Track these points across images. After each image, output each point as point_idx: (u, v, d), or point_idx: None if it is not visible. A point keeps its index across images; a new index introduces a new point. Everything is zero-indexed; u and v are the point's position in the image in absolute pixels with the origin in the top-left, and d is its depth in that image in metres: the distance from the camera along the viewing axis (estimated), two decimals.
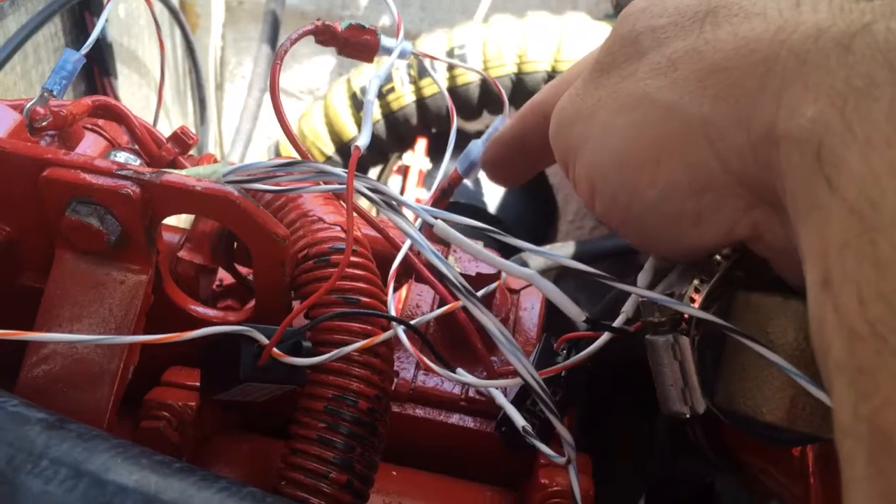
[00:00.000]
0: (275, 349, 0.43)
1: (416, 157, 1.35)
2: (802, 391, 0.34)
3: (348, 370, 0.44)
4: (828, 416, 0.32)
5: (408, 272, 0.57)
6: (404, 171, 1.33)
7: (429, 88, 1.28)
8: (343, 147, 1.37)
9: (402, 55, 0.53)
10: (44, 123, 0.49)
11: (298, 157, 0.44)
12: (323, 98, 1.36)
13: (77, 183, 0.42)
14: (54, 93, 0.51)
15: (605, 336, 0.40)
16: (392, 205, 0.42)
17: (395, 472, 0.52)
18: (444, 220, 0.41)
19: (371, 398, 0.44)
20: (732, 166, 0.32)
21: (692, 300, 0.39)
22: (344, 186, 0.42)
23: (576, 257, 1.05)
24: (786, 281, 0.35)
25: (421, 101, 1.29)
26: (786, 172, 0.30)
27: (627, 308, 0.40)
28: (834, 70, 0.28)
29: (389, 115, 1.31)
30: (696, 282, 0.39)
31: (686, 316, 0.39)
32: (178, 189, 0.43)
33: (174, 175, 0.43)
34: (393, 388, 0.54)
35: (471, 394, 0.54)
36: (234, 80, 1.78)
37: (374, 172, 1.42)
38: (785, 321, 0.34)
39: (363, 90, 1.29)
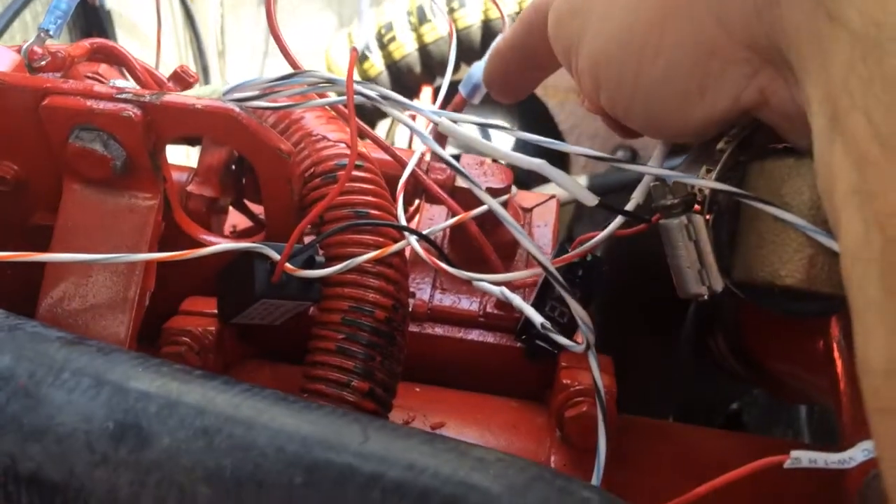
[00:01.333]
0: (287, 264, 0.43)
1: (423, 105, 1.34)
2: (820, 250, 0.33)
3: (363, 281, 0.44)
4: None
5: (417, 194, 0.57)
6: (411, 136, 1.33)
7: (430, 35, 1.27)
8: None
9: None
10: (42, 63, 0.49)
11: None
12: (325, 51, 1.35)
13: (78, 109, 0.42)
14: (50, 32, 0.51)
15: (618, 220, 0.40)
16: (398, 110, 0.42)
17: (418, 389, 0.52)
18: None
19: (388, 308, 0.44)
20: (736, 31, 0.32)
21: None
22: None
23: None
24: (795, 146, 0.35)
25: (423, 49, 1.28)
26: (789, 25, 0.29)
27: (638, 194, 0.40)
28: None
29: (392, 66, 1.30)
30: (705, 167, 0.39)
31: (699, 198, 0.39)
32: (179, 109, 0.42)
33: (174, 95, 0.43)
34: (410, 308, 0.54)
35: (489, 309, 0.54)
36: (235, 47, 1.77)
37: (382, 125, 1.41)
38: (799, 181, 0.34)
39: (367, 47, 1.28)
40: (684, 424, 0.53)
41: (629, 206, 0.39)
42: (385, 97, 0.41)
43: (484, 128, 0.43)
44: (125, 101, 0.42)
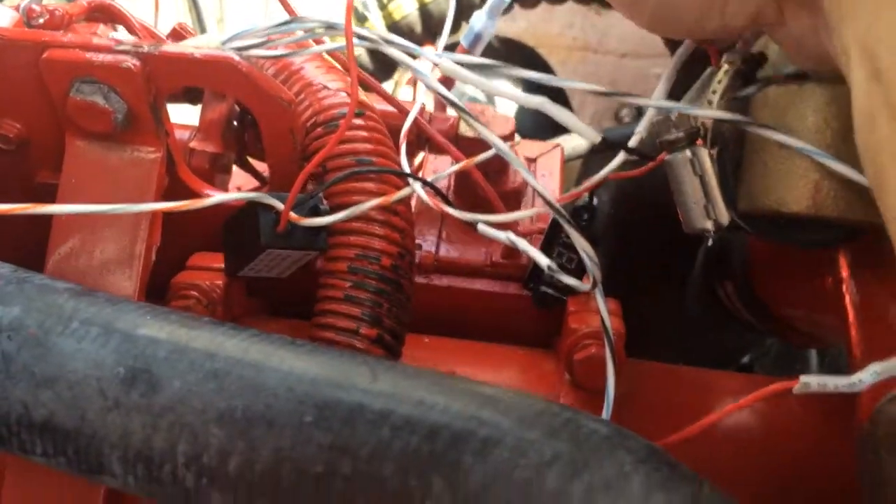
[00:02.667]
0: (292, 213, 0.43)
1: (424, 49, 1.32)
2: (826, 175, 0.33)
3: (368, 229, 0.44)
4: (853, 198, 0.32)
5: (420, 145, 0.57)
6: (415, 82, 1.31)
7: None
8: None
9: None
10: (40, 21, 0.49)
11: None
12: None
13: (77, 62, 0.42)
14: None
15: (622, 156, 0.40)
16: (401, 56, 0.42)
17: (426, 340, 0.52)
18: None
19: (394, 255, 0.44)
20: None
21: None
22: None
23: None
24: (799, 69, 0.35)
25: (423, 8, 1.27)
26: None
27: (641, 128, 0.39)
28: None
29: (392, 26, 1.28)
30: (707, 100, 0.39)
31: (702, 132, 0.39)
32: (178, 59, 0.42)
33: (173, 45, 0.42)
34: (417, 260, 0.54)
35: (495, 259, 0.54)
36: (235, 14, 1.75)
37: (385, 87, 1.40)
38: (803, 107, 0.33)
39: (366, 6, 1.27)
40: (693, 367, 0.53)
41: (632, 142, 0.39)
42: (386, 40, 0.41)
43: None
44: (124, 52, 0.42)
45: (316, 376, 0.34)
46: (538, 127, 1.44)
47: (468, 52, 0.59)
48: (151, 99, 0.43)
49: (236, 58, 0.42)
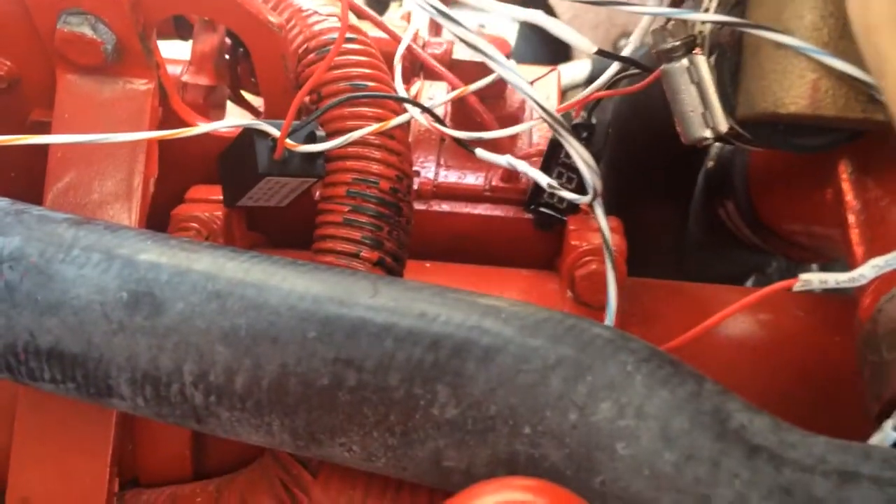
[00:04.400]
0: (288, 140, 0.42)
1: None
2: (824, 74, 0.33)
3: (366, 153, 0.44)
4: (851, 96, 0.32)
5: (415, 72, 0.56)
6: (408, 17, 1.29)
7: None
8: None
9: None
10: None
11: None
12: None
13: None
14: None
15: (615, 66, 0.39)
16: None
17: (428, 265, 0.52)
18: None
19: (392, 178, 0.44)
20: None
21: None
22: None
23: (591, 75, 1.02)
24: None
25: None
26: None
27: (635, 38, 0.39)
28: None
29: None
30: (703, 7, 0.38)
31: (699, 41, 0.38)
32: None
33: None
34: (416, 187, 0.54)
35: (494, 183, 0.54)
36: None
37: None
38: (799, 4, 0.33)
39: None
40: (694, 283, 0.53)
41: (626, 51, 0.39)
42: None
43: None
44: None
45: (318, 294, 0.34)
46: (534, 59, 1.42)
47: None
48: (140, 29, 0.43)
49: None
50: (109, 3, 0.41)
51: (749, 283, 1.05)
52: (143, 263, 0.35)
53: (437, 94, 0.59)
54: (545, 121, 0.39)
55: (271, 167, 0.43)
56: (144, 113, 0.44)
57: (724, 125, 0.37)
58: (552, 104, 0.59)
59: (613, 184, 0.67)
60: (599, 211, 0.40)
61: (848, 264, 0.45)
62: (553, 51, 1.46)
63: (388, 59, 0.50)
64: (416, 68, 0.54)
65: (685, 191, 0.71)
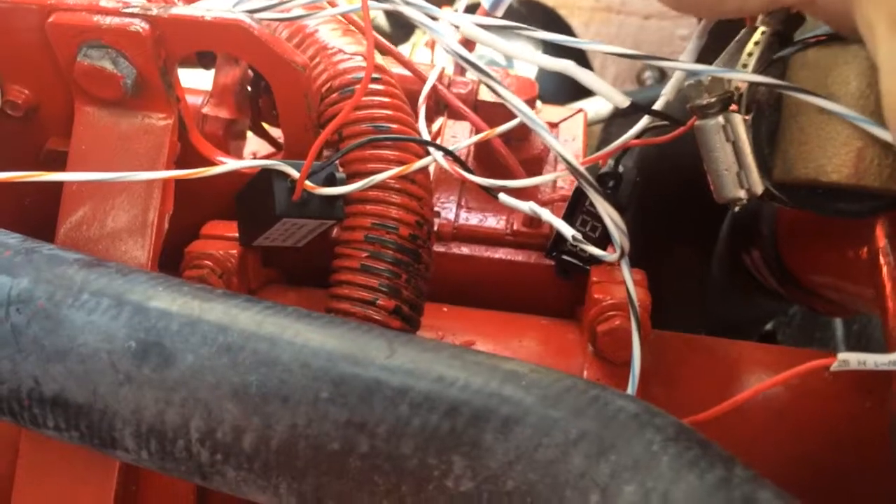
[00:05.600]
0: (307, 182, 0.41)
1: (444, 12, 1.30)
2: (869, 143, 0.31)
3: (386, 198, 0.43)
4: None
5: (439, 111, 0.55)
6: (433, 45, 1.29)
7: None
8: None
9: None
10: None
11: None
12: None
13: (84, 25, 0.40)
14: None
15: (646, 120, 0.38)
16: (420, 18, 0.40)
17: (445, 309, 0.51)
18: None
19: (412, 224, 0.43)
20: None
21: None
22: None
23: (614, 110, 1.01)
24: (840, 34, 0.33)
25: None
26: None
27: (669, 90, 0.38)
28: None
29: None
30: (741, 63, 0.37)
31: (735, 97, 0.37)
32: (188, 22, 0.41)
33: (183, 8, 0.41)
34: (436, 228, 0.52)
35: (516, 227, 0.53)
36: None
37: (402, 50, 1.38)
38: (846, 69, 0.32)
39: None
40: (720, 338, 0.51)
41: (658, 105, 0.38)
42: (405, 1, 0.39)
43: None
44: (132, 15, 0.40)
45: (332, 351, 0.33)
46: (559, 91, 1.41)
47: (489, 13, 0.57)
48: (161, 63, 0.42)
49: (248, 21, 0.41)
50: (131, 38, 0.40)
51: (769, 325, 1.03)
52: (153, 311, 0.34)
53: (459, 133, 0.58)
54: (573, 175, 0.37)
55: (289, 209, 0.42)
56: (163, 148, 0.44)
57: (760, 187, 0.36)
58: (578, 146, 0.58)
59: (638, 226, 0.66)
60: (626, 270, 0.39)
61: (883, 335, 0.44)
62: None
63: (412, 97, 0.49)
64: (441, 107, 0.53)
65: (711, 235, 0.69)
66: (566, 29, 1.38)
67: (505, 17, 0.57)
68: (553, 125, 0.59)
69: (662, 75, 1.38)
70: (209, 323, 0.33)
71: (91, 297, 0.34)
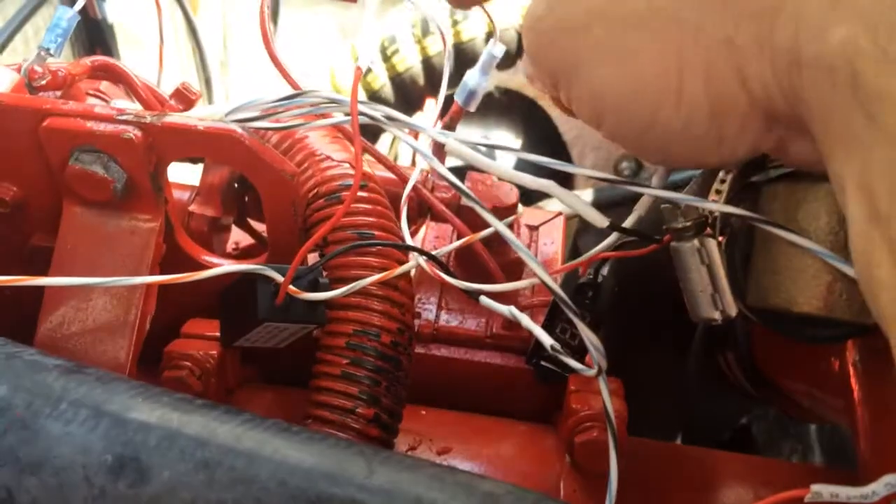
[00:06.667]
0: (291, 286, 0.42)
1: (426, 117, 1.34)
2: (839, 277, 0.32)
3: (368, 304, 0.43)
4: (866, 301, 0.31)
5: (423, 213, 0.56)
6: (415, 134, 1.31)
7: (433, 47, 1.26)
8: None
9: None
10: (42, 82, 0.49)
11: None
12: (329, 68, 1.35)
13: (78, 131, 0.41)
14: (51, 51, 0.50)
15: (616, 235, 0.39)
16: (403, 136, 0.41)
17: (423, 412, 0.51)
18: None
19: (393, 331, 0.43)
20: (756, 93, 0.30)
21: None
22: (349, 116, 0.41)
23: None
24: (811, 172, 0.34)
25: (427, 61, 1.27)
26: (813, 100, 0.28)
27: (640, 207, 0.39)
28: None
29: (395, 78, 1.29)
30: (714, 189, 0.38)
31: (710, 220, 0.38)
32: (181, 130, 0.42)
33: (176, 116, 0.42)
34: (416, 329, 0.53)
35: (495, 330, 0.53)
36: (239, 57, 1.77)
37: (385, 138, 1.40)
38: (816, 205, 0.33)
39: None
40: (696, 447, 0.52)
41: (630, 221, 0.39)
42: (390, 118, 0.41)
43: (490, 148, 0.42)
44: (126, 122, 0.41)
45: (310, 469, 0.32)
46: (538, 176, 1.43)
47: (463, 108, 0.59)
48: (152, 169, 0.43)
49: (240, 130, 0.42)
50: (124, 145, 0.41)
51: (744, 419, 1.03)
52: (132, 423, 0.34)
53: (442, 230, 0.59)
54: (553, 295, 0.38)
55: (272, 313, 0.42)
56: (148, 250, 0.44)
57: (733, 310, 0.37)
58: (556, 249, 0.59)
59: (614, 329, 0.67)
60: (603, 385, 0.39)
61: (853, 444, 0.44)
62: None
63: (396, 198, 0.50)
64: (424, 209, 0.54)
65: (688, 334, 0.70)
66: (545, 118, 1.41)
67: (487, 107, 0.59)
68: (533, 228, 0.60)
69: (639, 166, 1.41)
70: (187, 437, 0.33)
71: (69, 406, 0.34)
